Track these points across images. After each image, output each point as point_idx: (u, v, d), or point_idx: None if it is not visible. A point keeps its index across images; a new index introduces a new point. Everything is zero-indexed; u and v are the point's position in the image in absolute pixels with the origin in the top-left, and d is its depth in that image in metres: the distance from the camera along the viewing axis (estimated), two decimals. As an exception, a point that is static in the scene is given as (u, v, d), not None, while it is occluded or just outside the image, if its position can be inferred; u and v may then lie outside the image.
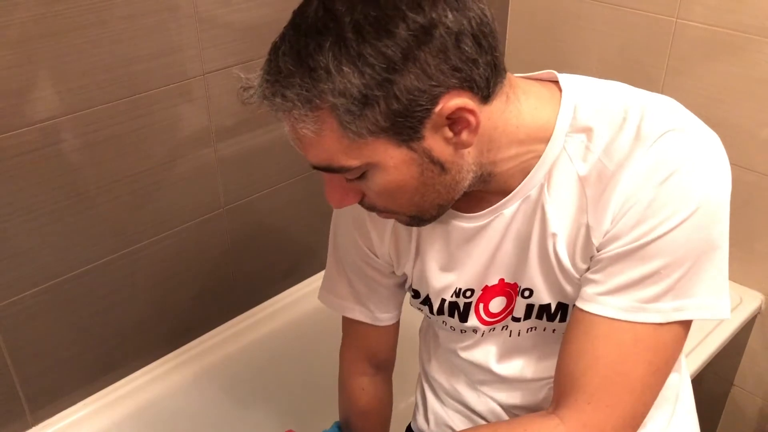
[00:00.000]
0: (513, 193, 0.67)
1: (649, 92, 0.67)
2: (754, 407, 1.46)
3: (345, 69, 0.54)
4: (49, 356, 1.06)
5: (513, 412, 0.82)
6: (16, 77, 0.88)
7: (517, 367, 0.78)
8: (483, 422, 0.85)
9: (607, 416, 0.65)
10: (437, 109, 0.57)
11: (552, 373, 0.76)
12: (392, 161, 0.60)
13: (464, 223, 0.71)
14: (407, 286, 0.82)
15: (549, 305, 0.71)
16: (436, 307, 0.78)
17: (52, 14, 0.87)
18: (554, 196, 0.66)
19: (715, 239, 0.62)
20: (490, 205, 0.69)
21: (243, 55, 1.09)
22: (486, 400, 0.83)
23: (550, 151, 0.65)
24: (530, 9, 1.47)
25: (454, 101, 0.57)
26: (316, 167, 0.62)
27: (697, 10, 1.21)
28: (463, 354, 0.81)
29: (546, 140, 0.65)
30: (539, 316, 0.73)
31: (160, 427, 1.17)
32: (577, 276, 0.68)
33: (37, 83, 0.89)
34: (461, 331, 0.79)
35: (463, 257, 0.74)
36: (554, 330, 0.74)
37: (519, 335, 0.76)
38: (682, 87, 1.26)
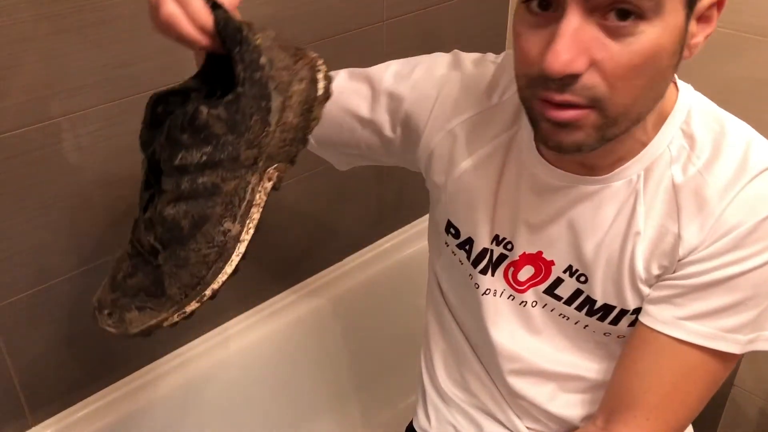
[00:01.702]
0: (604, 176, 0.66)
1: (736, 117, 0.67)
2: (754, 407, 1.46)
3: None
4: (48, 356, 1.06)
5: (520, 403, 0.81)
6: (15, 77, 0.88)
7: (532, 348, 0.77)
8: (487, 420, 0.85)
9: (662, 431, 0.67)
10: None
11: (568, 370, 0.75)
12: (672, 19, 0.54)
13: (545, 175, 0.69)
14: (443, 225, 0.78)
15: (594, 302, 0.71)
16: (476, 252, 0.75)
17: (51, 14, 0.87)
18: (649, 194, 0.65)
19: None
20: (575, 173, 0.67)
21: (243, 55, 1.09)
22: (490, 389, 0.83)
23: (656, 145, 0.64)
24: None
25: None
26: None
27: (697, 10, 1.21)
28: (476, 327, 0.79)
29: (656, 129, 0.64)
30: (579, 308, 0.72)
31: (161, 428, 1.17)
32: (643, 280, 0.66)
33: (35, 83, 0.89)
34: (482, 290, 0.76)
35: (520, 207, 0.72)
36: (586, 326, 0.73)
37: (552, 311, 0.75)
38: (682, 87, 1.26)
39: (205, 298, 0.54)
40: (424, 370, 0.94)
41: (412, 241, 1.46)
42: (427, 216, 1.50)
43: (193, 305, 0.53)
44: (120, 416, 1.12)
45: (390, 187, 1.41)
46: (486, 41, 1.48)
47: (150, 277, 0.55)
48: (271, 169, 0.56)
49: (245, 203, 0.54)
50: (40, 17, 0.87)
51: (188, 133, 0.52)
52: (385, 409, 1.46)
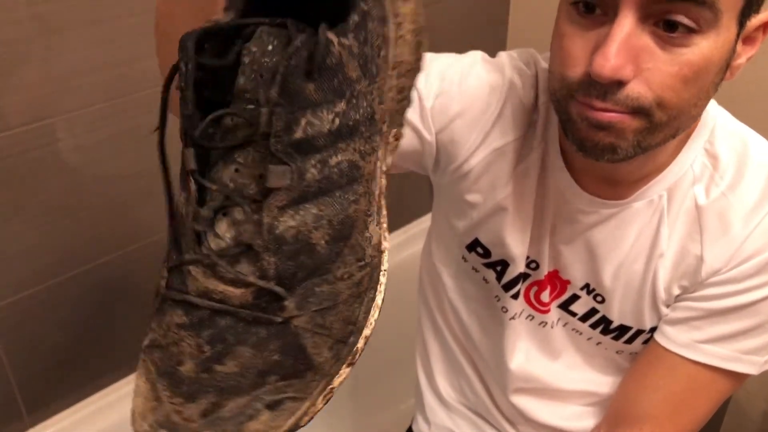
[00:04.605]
0: (626, 200, 0.64)
1: (759, 135, 0.65)
2: (757, 409, 1.45)
3: None
4: (46, 357, 1.05)
5: (521, 416, 0.80)
6: (12, 76, 0.87)
7: (546, 368, 0.76)
8: (488, 426, 0.84)
9: None
10: None
11: (577, 386, 0.75)
12: (724, 34, 0.52)
13: (571, 196, 0.66)
14: (466, 242, 0.73)
15: (611, 322, 0.69)
16: (511, 277, 0.72)
17: (48, 13, 0.87)
18: (672, 215, 0.63)
19: None
20: (601, 198, 0.65)
21: (242, 54, 1.08)
22: (484, 400, 0.82)
23: (680, 164, 0.62)
24: (532, 7, 1.46)
25: None
26: None
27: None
28: (490, 346, 0.77)
29: (679, 147, 0.62)
30: (594, 326, 0.71)
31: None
32: (663, 300, 0.65)
33: (32, 83, 0.89)
34: (510, 314, 0.74)
35: (548, 226, 0.69)
36: (599, 343, 0.72)
37: (565, 325, 0.73)
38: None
39: (358, 356, 0.35)
40: (421, 373, 0.92)
41: (412, 241, 1.45)
42: (426, 216, 1.50)
43: (344, 372, 0.35)
44: (118, 418, 1.12)
45: (390, 188, 1.41)
46: (487, 39, 1.47)
47: (276, 344, 0.34)
48: (391, 136, 0.35)
49: (378, 189, 0.35)
50: (37, 16, 0.86)
51: (316, 81, 0.31)
52: (384, 411, 1.45)
